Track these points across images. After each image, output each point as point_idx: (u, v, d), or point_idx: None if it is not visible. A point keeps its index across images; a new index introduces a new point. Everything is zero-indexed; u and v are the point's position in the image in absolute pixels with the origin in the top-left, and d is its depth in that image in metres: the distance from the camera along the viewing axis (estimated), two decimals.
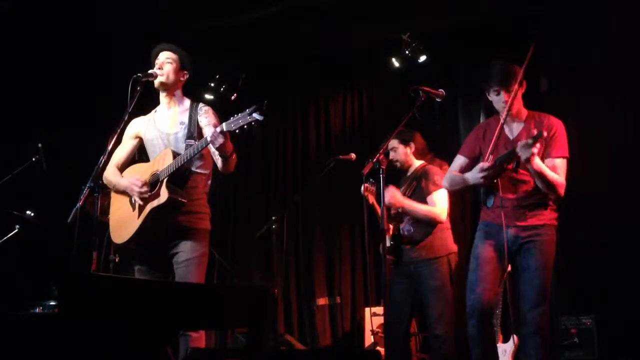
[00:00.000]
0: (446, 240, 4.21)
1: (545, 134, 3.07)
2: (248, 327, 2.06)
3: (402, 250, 4.20)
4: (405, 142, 4.32)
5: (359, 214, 5.95)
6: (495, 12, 5.55)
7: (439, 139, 5.86)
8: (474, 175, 3.31)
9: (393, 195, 4.13)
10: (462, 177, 3.44)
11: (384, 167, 3.31)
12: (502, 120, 3.33)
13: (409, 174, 4.39)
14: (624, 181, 4.99)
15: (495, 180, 3.30)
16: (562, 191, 3.27)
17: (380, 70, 6.19)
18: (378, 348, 4.99)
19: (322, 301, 6.34)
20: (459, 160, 3.55)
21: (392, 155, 4.34)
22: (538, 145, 3.05)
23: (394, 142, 4.32)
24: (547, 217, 3.32)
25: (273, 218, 5.30)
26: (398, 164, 4.36)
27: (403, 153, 4.33)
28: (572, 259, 5.07)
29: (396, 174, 4.50)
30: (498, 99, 3.36)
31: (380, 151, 3.33)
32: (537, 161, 3.12)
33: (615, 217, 4.93)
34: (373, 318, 5.27)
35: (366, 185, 4.26)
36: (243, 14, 5.62)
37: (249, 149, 6.86)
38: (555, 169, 3.24)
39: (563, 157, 3.29)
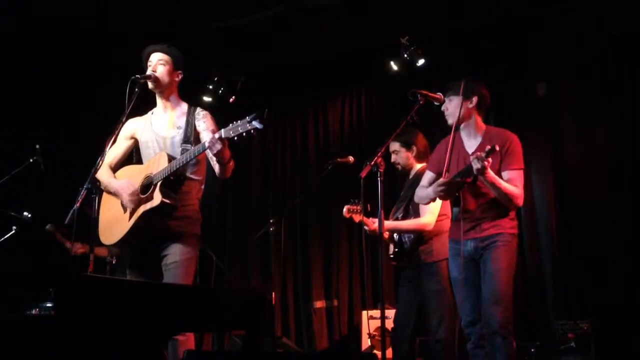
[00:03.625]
0: (445, 246, 4.17)
1: (497, 148, 3.22)
2: (245, 330, 2.06)
3: (405, 256, 4.20)
4: (407, 146, 4.26)
5: None
6: (495, 14, 5.55)
7: (437, 143, 5.84)
8: (433, 190, 3.49)
9: (374, 228, 4.04)
10: (427, 191, 3.61)
11: (382, 170, 3.31)
12: (453, 132, 3.54)
13: (410, 176, 4.36)
14: (622, 186, 4.99)
15: (457, 194, 3.46)
16: (519, 202, 3.42)
17: (379, 74, 6.18)
18: (375, 351, 4.98)
19: (319, 304, 6.34)
20: (428, 175, 3.70)
21: (393, 158, 4.30)
22: (490, 159, 3.20)
23: (395, 145, 4.27)
24: (505, 226, 3.43)
25: (271, 220, 5.30)
26: (399, 167, 4.32)
27: (405, 156, 4.27)
28: (569, 264, 5.08)
29: (394, 176, 4.51)
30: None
31: (379, 154, 3.33)
32: (490, 173, 3.27)
33: (612, 221, 4.92)
34: (370, 321, 5.26)
35: (348, 207, 4.16)
36: (243, 17, 5.62)
37: (247, 151, 6.86)
38: (511, 181, 3.39)
39: (518, 169, 3.45)
